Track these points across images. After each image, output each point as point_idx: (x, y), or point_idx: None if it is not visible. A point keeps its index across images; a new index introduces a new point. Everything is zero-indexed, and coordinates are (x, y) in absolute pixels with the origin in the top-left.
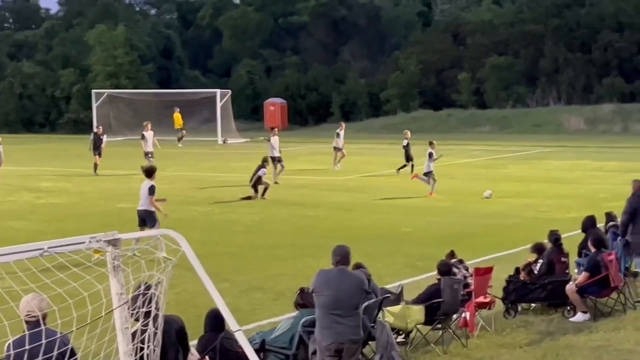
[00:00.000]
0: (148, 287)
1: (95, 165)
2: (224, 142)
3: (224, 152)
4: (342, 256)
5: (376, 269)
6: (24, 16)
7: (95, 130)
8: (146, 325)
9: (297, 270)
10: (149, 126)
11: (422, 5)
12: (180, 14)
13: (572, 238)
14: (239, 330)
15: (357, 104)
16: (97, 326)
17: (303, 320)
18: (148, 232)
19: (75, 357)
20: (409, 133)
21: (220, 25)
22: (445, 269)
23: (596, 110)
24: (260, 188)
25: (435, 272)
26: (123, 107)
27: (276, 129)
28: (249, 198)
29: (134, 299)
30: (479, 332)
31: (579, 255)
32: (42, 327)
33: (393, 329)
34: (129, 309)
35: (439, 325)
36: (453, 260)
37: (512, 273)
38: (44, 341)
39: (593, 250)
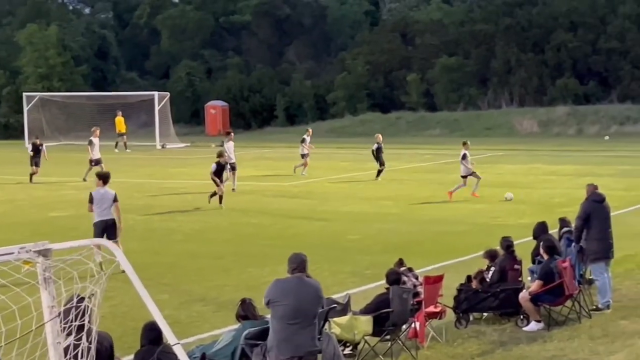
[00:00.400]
0: (81, 300)
1: (32, 176)
2: (163, 147)
3: (162, 157)
4: (298, 264)
5: (322, 278)
6: None
7: (34, 140)
8: (79, 339)
9: (240, 280)
10: (98, 132)
11: (369, 4)
12: (116, 13)
13: (525, 244)
14: (178, 343)
15: (302, 106)
16: (27, 341)
17: (245, 332)
18: (80, 242)
19: None
20: (380, 137)
21: (158, 24)
22: (394, 278)
23: (549, 113)
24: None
25: (383, 281)
26: (56, 110)
27: (232, 134)
28: (214, 194)
29: (66, 312)
30: (429, 342)
31: (533, 262)
32: None
33: (340, 341)
34: (60, 322)
35: (388, 336)
36: (402, 269)
37: (463, 281)
38: None
39: (546, 256)
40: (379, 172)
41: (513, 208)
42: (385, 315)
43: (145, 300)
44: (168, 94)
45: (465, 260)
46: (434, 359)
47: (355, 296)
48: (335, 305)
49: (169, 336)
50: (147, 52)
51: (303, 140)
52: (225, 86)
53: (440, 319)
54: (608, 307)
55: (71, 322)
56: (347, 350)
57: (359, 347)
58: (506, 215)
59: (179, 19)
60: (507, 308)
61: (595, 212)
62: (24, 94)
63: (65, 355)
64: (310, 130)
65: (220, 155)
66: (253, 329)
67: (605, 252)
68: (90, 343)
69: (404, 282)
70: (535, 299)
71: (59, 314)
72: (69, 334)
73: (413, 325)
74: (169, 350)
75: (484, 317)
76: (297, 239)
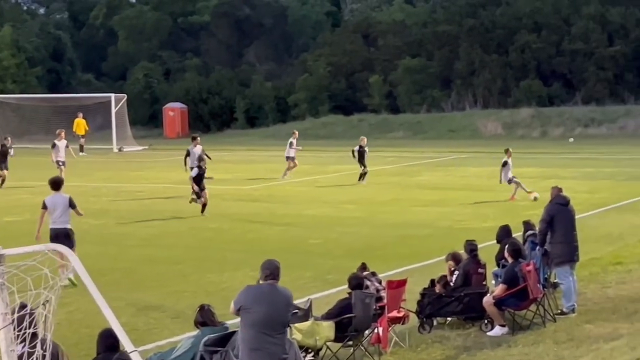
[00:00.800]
0: (35, 307)
1: (3, 180)
2: (120, 150)
3: (119, 160)
4: (272, 270)
5: (283, 283)
6: None
7: (3, 141)
8: (33, 347)
9: (199, 286)
10: (63, 134)
11: (330, 5)
12: (72, 13)
13: (489, 248)
14: (135, 351)
15: (263, 108)
16: None
17: (205, 339)
18: (34, 247)
19: None
20: (365, 139)
21: (115, 25)
22: (356, 283)
23: (514, 115)
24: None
25: (345, 286)
26: (9, 113)
27: (198, 139)
28: (197, 199)
29: (20, 319)
30: (392, 348)
31: (497, 266)
32: None
33: (301, 347)
34: (14, 330)
35: (350, 342)
36: (365, 273)
37: (426, 285)
38: None
39: (510, 260)
40: (362, 174)
41: (477, 212)
42: (348, 321)
43: (102, 307)
44: (125, 96)
45: (429, 264)
46: None
47: (317, 301)
48: (297, 310)
49: (125, 343)
50: (104, 53)
51: (290, 144)
52: (183, 88)
53: (403, 324)
54: (573, 311)
55: (25, 329)
56: (309, 357)
57: (321, 353)
58: (470, 218)
59: (136, 19)
60: (471, 312)
61: (559, 215)
62: None
63: None
64: (297, 132)
65: (200, 159)
66: (212, 335)
67: (570, 255)
68: (44, 351)
69: (367, 287)
70: (499, 303)
71: (13, 321)
72: (22, 342)
73: (376, 330)
74: (126, 358)
75: (447, 322)
76: (257, 244)
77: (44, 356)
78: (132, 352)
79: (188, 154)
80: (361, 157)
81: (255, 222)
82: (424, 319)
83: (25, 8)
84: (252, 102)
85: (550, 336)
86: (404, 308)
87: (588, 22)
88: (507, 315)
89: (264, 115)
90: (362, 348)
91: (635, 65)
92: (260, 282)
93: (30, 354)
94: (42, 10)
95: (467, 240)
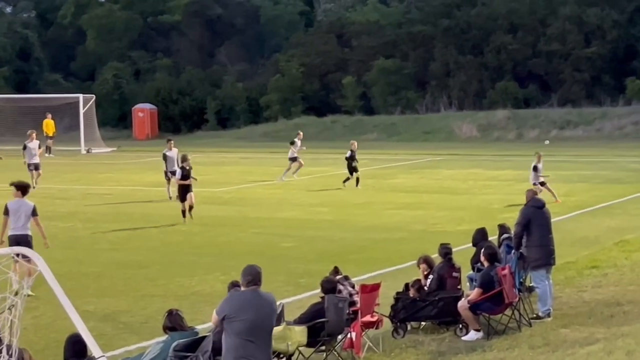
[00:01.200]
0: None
1: None
2: (88, 151)
3: (88, 162)
4: (253, 276)
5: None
6: None
7: None
8: None
9: (168, 290)
10: (34, 135)
11: (303, 5)
12: (39, 12)
13: (464, 251)
14: (103, 356)
15: (234, 109)
16: None
17: (174, 344)
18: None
19: None
20: (355, 144)
21: (83, 24)
22: (329, 287)
23: (489, 117)
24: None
25: (318, 290)
26: None
27: (172, 142)
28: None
29: None
30: (365, 353)
31: (472, 269)
32: None
33: (273, 352)
34: None
35: (323, 347)
36: (338, 277)
37: (400, 290)
38: None
39: (486, 264)
40: (357, 180)
41: (452, 215)
42: (320, 325)
43: (69, 312)
44: (93, 96)
45: (403, 268)
46: None
47: (289, 306)
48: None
49: (93, 349)
50: (72, 53)
51: (293, 143)
52: (153, 88)
53: (377, 328)
54: (549, 315)
55: None
56: None
57: (293, 358)
58: (445, 221)
59: (106, 18)
60: (446, 317)
61: (535, 218)
62: None
63: None
64: (301, 133)
65: (184, 159)
66: (182, 340)
67: (546, 259)
68: (10, 356)
69: (340, 291)
70: (474, 307)
71: None
72: None
73: (349, 335)
74: None
75: (422, 327)
76: (228, 247)
77: None
78: (100, 357)
79: (165, 158)
80: (350, 162)
81: (226, 226)
82: (398, 324)
83: None
84: (224, 103)
85: (525, 341)
86: (377, 312)
87: (564, 23)
88: (482, 320)
89: (235, 116)
90: (335, 353)
91: (612, 67)
92: (242, 288)
93: None
94: (9, 9)
95: (442, 244)
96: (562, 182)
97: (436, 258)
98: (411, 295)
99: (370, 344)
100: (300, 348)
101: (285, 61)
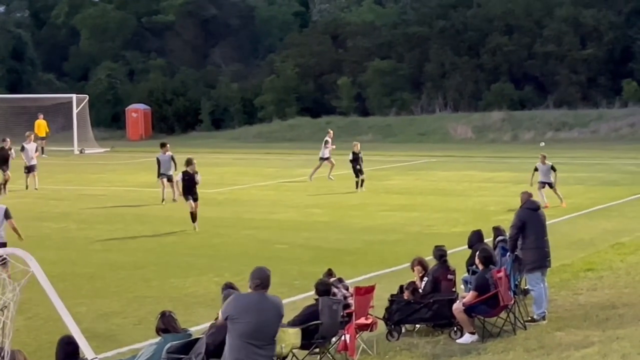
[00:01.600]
0: None
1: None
2: (81, 152)
3: (81, 163)
4: (262, 280)
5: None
6: None
7: (2, 144)
8: None
9: (162, 292)
10: (32, 137)
11: (298, 5)
12: (33, 11)
13: (459, 254)
14: (96, 358)
15: (229, 110)
16: None
17: (167, 346)
18: None
19: None
20: (358, 145)
21: (77, 24)
22: (323, 289)
23: (485, 118)
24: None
25: (312, 292)
26: None
27: (167, 146)
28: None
29: None
30: (359, 356)
31: (467, 272)
32: None
33: None
34: None
35: (317, 349)
36: (332, 279)
37: (395, 292)
38: None
39: (481, 267)
40: (362, 182)
41: (447, 217)
42: (314, 328)
43: (62, 313)
44: (87, 96)
45: (398, 270)
46: None
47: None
48: None
49: (86, 350)
50: (66, 53)
51: (326, 142)
52: (147, 89)
53: (371, 331)
54: (544, 318)
55: None
56: None
57: None
58: (439, 223)
59: (99, 18)
60: (441, 319)
61: (530, 220)
62: None
63: None
64: (332, 131)
65: (188, 163)
66: (175, 342)
67: (541, 261)
68: (3, 358)
69: (334, 293)
70: (469, 310)
71: None
72: None
73: (343, 337)
74: None
75: (416, 329)
76: (222, 249)
77: None
78: (92, 359)
79: (158, 162)
80: (354, 163)
81: (220, 227)
82: (392, 326)
83: None
84: (218, 103)
85: (520, 344)
86: (371, 315)
87: (560, 25)
88: (477, 323)
89: (229, 117)
90: (329, 355)
91: (608, 69)
92: (250, 291)
93: None
94: (2, 9)
95: (437, 246)
96: (557, 185)
97: (431, 260)
98: (406, 297)
99: (365, 347)
100: (294, 350)
101: (280, 62)
